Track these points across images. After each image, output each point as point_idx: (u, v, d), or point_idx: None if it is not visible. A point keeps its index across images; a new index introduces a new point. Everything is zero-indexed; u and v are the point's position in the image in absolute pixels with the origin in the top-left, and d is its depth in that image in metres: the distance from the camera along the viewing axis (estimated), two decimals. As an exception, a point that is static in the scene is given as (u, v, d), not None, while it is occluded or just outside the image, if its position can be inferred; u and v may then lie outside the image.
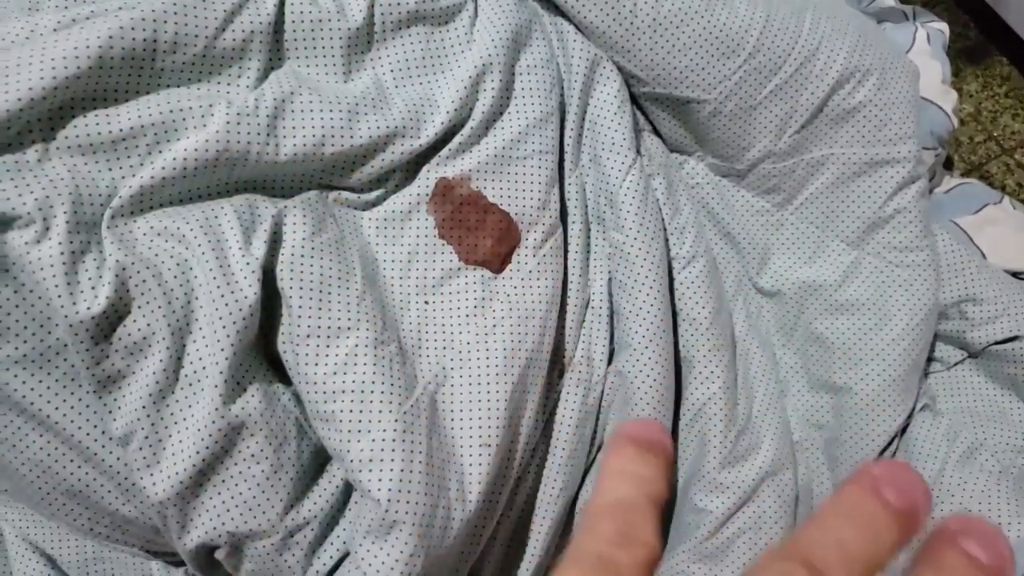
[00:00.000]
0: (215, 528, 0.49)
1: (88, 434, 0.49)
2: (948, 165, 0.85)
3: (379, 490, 0.49)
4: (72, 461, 0.50)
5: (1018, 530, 0.58)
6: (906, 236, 0.67)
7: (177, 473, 0.48)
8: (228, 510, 0.49)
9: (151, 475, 0.48)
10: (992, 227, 0.75)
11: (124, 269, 0.47)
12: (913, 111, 0.67)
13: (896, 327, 0.66)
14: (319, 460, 0.54)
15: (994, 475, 0.63)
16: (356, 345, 0.51)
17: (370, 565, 0.48)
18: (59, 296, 0.45)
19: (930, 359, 0.72)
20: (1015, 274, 0.73)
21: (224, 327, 0.49)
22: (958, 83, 0.91)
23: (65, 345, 0.48)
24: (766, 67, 0.64)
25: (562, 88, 0.64)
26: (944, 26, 0.80)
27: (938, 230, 0.72)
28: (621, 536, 0.19)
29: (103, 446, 0.50)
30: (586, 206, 0.64)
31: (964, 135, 0.89)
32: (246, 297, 0.49)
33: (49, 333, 0.48)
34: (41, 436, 0.49)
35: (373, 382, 0.51)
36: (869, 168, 0.67)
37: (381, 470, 0.49)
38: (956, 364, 0.72)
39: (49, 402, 0.48)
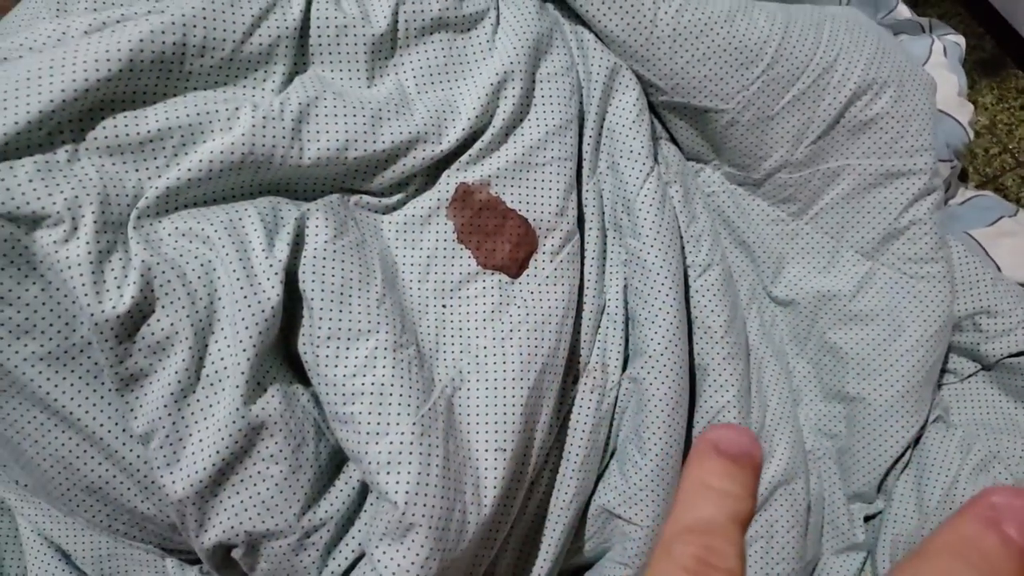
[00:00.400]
0: (233, 527, 0.50)
1: (109, 431, 0.50)
2: (963, 177, 0.85)
3: (396, 492, 0.49)
4: (93, 458, 0.51)
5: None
6: (921, 248, 0.68)
7: (197, 472, 0.48)
8: (246, 509, 0.50)
9: (171, 473, 0.49)
10: (1007, 239, 0.75)
11: (149, 269, 0.48)
12: (930, 123, 0.68)
13: (910, 338, 0.66)
14: (336, 461, 0.54)
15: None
16: (375, 348, 0.52)
17: (386, 567, 0.49)
18: (85, 295, 0.46)
19: (943, 371, 0.72)
20: (1030, 287, 0.73)
21: (246, 328, 0.49)
22: (973, 95, 0.91)
23: (89, 343, 0.48)
24: (784, 78, 0.64)
25: (581, 96, 0.65)
26: (960, 39, 0.80)
27: (953, 242, 0.72)
28: (700, 563, 0.17)
29: (124, 444, 0.50)
30: (603, 213, 0.65)
31: (979, 147, 0.89)
32: (268, 298, 0.50)
33: (74, 331, 0.48)
34: (63, 432, 0.50)
35: (392, 384, 0.51)
36: (885, 179, 0.67)
37: (399, 472, 0.49)
38: (969, 376, 0.72)
39: (72, 399, 0.49)
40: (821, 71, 0.64)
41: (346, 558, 0.53)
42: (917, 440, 0.68)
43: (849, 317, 0.68)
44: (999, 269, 0.73)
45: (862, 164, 0.67)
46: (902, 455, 0.67)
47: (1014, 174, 0.89)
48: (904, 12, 0.84)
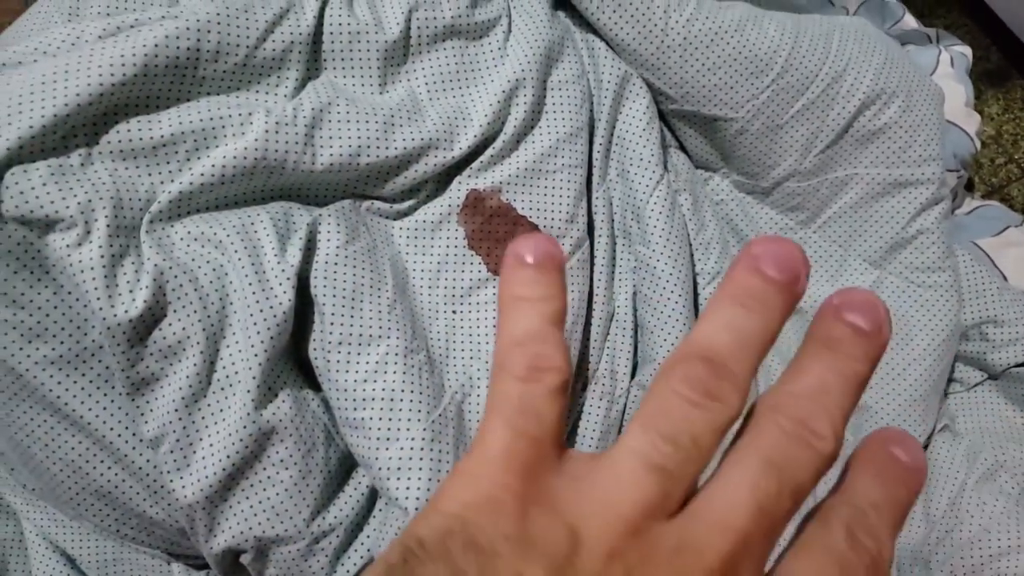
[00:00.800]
0: (242, 532, 0.50)
1: (119, 435, 0.50)
2: (969, 187, 0.85)
3: (407, 498, 0.49)
4: (103, 462, 0.51)
5: (1038, 554, 0.58)
6: (928, 257, 0.68)
7: (207, 476, 0.48)
8: (256, 515, 0.50)
9: (181, 478, 0.48)
10: (1013, 249, 0.75)
11: (161, 273, 0.48)
12: (937, 133, 0.68)
13: (918, 347, 0.67)
14: (345, 467, 0.54)
15: (1013, 497, 0.63)
16: (386, 353, 0.52)
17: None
18: (98, 299, 0.46)
19: (950, 380, 0.72)
20: (1036, 297, 0.73)
21: (258, 332, 0.49)
22: (979, 106, 0.92)
23: (101, 347, 0.48)
24: (794, 87, 0.64)
25: (592, 103, 0.65)
26: (967, 49, 0.81)
27: (959, 251, 0.72)
28: (531, 369, 0.19)
29: (134, 448, 0.50)
30: (612, 220, 0.65)
31: (985, 158, 0.90)
32: (280, 303, 0.50)
33: (86, 335, 0.48)
34: (73, 436, 0.50)
35: (403, 390, 0.51)
36: (893, 189, 0.67)
37: (409, 478, 0.49)
38: (976, 385, 0.72)
39: (83, 403, 0.49)
40: (830, 81, 0.64)
41: (355, 564, 0.53)
42: (924, 449, 0.68)
43: (857, 326, 0.68)
44: (1005, 279, 0.74)
45: (870, 173, 0.67)
46: (909, 464, 0.67)
47: (1020, 184, 0.89)
48: (911, 23, 0.85)
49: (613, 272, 0.64)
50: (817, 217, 0.70)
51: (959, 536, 0.62)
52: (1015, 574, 0.58)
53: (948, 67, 0.78)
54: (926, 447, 0.68)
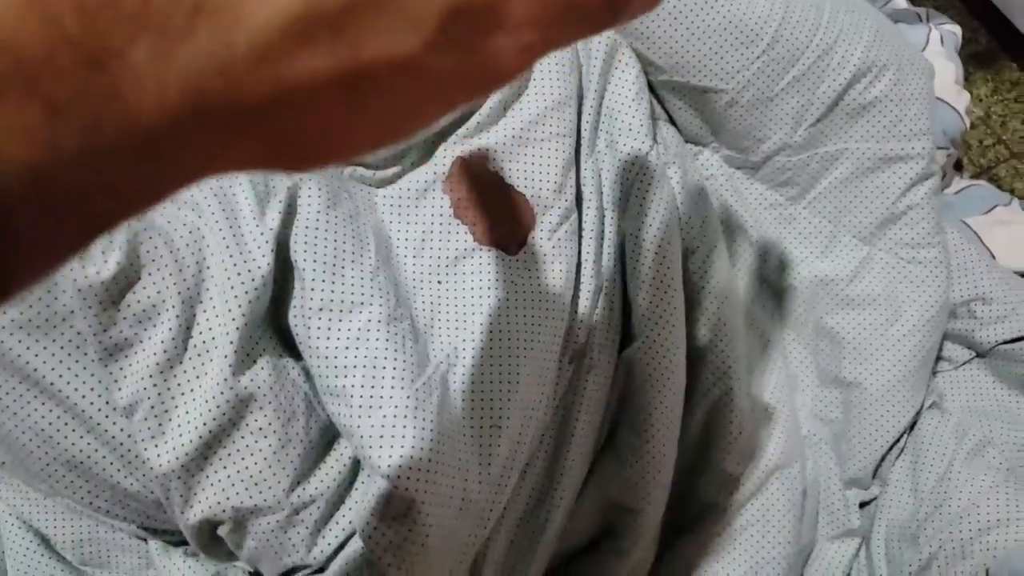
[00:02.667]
0: (219, 503, 0.48)
1: (92, 403, 0.48)
2: (958, 167, 0.85)
3: (388, 467, 0.48)
4: (74, 431, 0.49)
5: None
6: (918, 232, 0.67)
7: (183, 444, 0.47)
8: (233, 484, 0.48)
9: (156, 446, 0.47)
10: (1002, 228, 0.75)
11: (136, 235, 0.47)
12: (928, 108, 0.67)
13: (907, 323, 0.66)
14: (327, 437, 0.53)
15: (1001, 472, 0.63)
16: (369, 320, 0.51)
17: (377, 543, 0.47)
18: (69, 259, 0.44)
19: (938, 358, 0.72)
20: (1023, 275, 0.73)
21: (236, 297, 0.48)
22: (968, 87, 0.91)
23: (72, 311, 0.47)
24: (784, 58, 0.63)
25: (580, 73, 0.64)
26: (957, 28, 0.81)
27: (948, 229, 0.72)
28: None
29: (107, 416, 0.49)
30: (601, 192, 0.64)
31: (973, 139, 0.90)
32: (259, 267, 0.48)
33: (56, 299, 0.47)
34: (43, 404, 0.48)
35: (385, 358, 0.50)
36: (883, 164, 0.67)
37: (391, 447, 0.48)
38: (964, 363, 0.72)
39: (53, 369, 0.47)
40: (821, 52, 0.64)
41: (336, 536, 0.51)
42: (912, 426, 0.68)
43: (846, 302, 0.68)
44: (993, 257, 0.74)
45: (860, 148, 0.67)
46: (897, 441, 0.67)
47: (1008, 165, 0.89)
48: (901, 2, 0.85)
49: (602, 245, 0.63)
50: (807, 192, 0.69)
51: (948, 511, 0.62)
52: (1003, 547, 0.58)
53: (938, 45, 0.78)
54: (915, 423, 0.68)
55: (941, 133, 0.73)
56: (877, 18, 0.69)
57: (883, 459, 0.67)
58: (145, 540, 0.56)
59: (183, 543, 0.55)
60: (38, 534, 0.56)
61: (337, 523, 0.52)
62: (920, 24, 0.80)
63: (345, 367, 0.50)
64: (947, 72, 0.76)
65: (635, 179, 0.62)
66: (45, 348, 0.47)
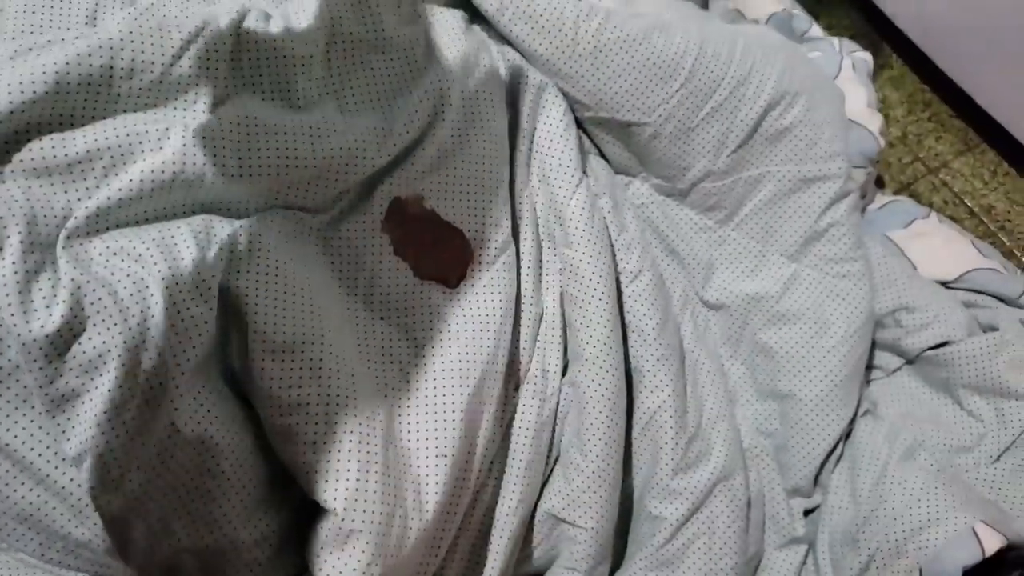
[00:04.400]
0: (173, 547, 0.49)
1: (40, 455, 0.49)
2: (879, 184, 0.90)
3: (335, 500, 0.49)
4: (23, 484, 0.49)
5: (954, 525, 0.61)
6: (840, 248, 0.71)
7: (133, 491, 0.48)
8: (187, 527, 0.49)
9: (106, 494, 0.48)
10: (921, 240, 0.79)
11: (79, 287, 0.48)
12: (841, 131, 0.72)
13: (835, 334, 0.70)
14: (278, 475, 0.54)
15: (932, 473, 0.66)
16: (318, 359, 0.52)
17: (328, 575, 0.49)
18: (12, 315, 0.46)
19: (871, 367, 0.75)
20: (943, 283, 0.77)
21: (179, 343, 0.49)
22: (885, 110, 0.97)
23: (17, 366, 0.47)
24: (701, 91, 0.68)
25: (511, 112, 0.67)
26: (868, 56, 0.86)
27: (872, 243, 0.76)
28: None
29: (56, 467, 0.49)
30: (537, 224, 0.67)
31: (893, 157, 0.95)
32: (201, 313, 0.50)
33: (1, 355, 0.48)
34: (-8, 460, 0.49)
35: (338, 395, 0.52)
36: (803, 184, 0.71)
37: (338, 480, 0.50)
38: (895, 371, 0.75)
39: (0, 424, 0.48)
40: (736, 83, 0.68)
41: (288, 574, 0.52)
42: (849, 434, 0.71)
43: (777, 317, 0.71)
44: (915, 268, 0.77)
45: (781, 171, 0.71)
46: (834, 448, 0.70)
47: (925, 181, 0.94)
48: (818, 32, 0.90)
49: (540, 274, 0.66)
50: (734, 216, 0.73)
51: (883, 513, 0.64)
52: (935, 545, 0.60)
53: (850, 71, 0.82)
54: (850, 432, 0.71)
55: (857, 153, 0.78)
56: (788, 50, 0.74)
57: (822, 467, 0.69)
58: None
59: (138, 591, 0.55)
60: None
61: (289, 559, 0.53)
62: (834, 53, 0.85)
63: (291, 405, 0.51)
64: (859, 97, 0.80)
65: (567, 210, 0.65)
66: (-8, 404, 0.48)
